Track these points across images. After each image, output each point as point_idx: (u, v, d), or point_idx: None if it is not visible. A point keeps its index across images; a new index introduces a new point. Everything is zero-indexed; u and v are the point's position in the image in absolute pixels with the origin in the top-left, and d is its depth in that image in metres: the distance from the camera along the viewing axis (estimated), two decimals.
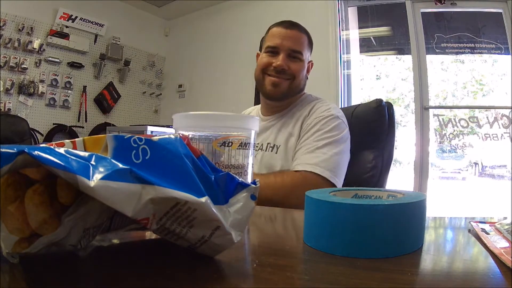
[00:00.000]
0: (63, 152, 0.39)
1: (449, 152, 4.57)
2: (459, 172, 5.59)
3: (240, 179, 0.54)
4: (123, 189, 0.38)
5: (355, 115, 1.81)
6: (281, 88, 1.66)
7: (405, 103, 5.81)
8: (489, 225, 0.75)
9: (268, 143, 1.69)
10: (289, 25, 1.69)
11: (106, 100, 4.82)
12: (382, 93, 5.41)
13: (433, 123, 4.32)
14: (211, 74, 5.17)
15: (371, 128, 1.86)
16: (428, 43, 4.23)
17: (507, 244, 0.60)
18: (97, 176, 0.37)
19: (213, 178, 0.50)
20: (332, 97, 4.28)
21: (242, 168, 0.78)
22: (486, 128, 4.24)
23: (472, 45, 4.27)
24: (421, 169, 4.17)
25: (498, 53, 4.30)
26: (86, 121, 4.60)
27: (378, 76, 5.34)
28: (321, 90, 3.66)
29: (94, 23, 4.64)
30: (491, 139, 4.20)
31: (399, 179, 4.49)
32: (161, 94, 5.58)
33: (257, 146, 1.70)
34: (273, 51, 1.67)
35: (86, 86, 4.62)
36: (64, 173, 0.35)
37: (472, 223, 0.78)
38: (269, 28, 1.76)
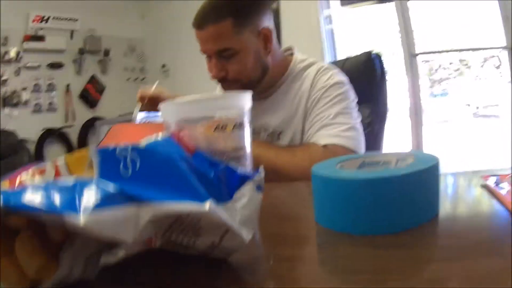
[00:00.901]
0: (42, 189, 0.34)
1: (441, 96, 4.58)
2: (453, 115, 5.62)
3: (242, 171, 0.51)
4: (118, 216, 0.35)
5: (345, 70, 1.72)
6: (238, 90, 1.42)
7: (392, 51, 5.80)
8: (501, 178, 0.73)
9: (265, 129, 1.51)
10: (200, 23, 1.36)
11: (91, 95, 4.77)
12: (367, 43, 5.40)
13: (423, 69, 4.31)
14: (194, 51, 5.09)
15: (363, 82, 1.79)
16: None
17: None
18: (86, 209, 0.33)
19: (212, 175, 0.46)
20: (317, 54, 4.22)
21: (241, 150, 0.74)
22: (476, 70, 4.25)
23: None
24: (416, 116, 4.16)
25: None
26: (74, 119, 4.56)
27: (360, 27, 5.32)
28: (306, 48, 3.61)
29: (67, 19, 4.55)
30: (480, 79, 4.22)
31: (395, 129, 4.50)
32: (145, 78, 5.50)
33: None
34: (208, 56, 1.44)
35: (69, 84, 4.56)
36: (48, 216, 0.32)
37: (483, 178, 0.75)
38: None
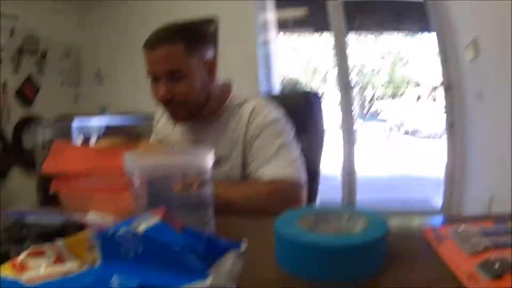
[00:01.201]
0: None
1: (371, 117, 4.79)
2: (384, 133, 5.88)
3: (225, 242, 0.55)
4: None
5: (283, 107, 1.79)
6: (181, 115, 1.53)
7: (322, 76, 5.99)
8: (443, 231, 0.81)
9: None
10: (154, 42, 1.44)
11: (26, 94, 4.67)
12: (300, 68, 5.56)
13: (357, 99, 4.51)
14: (130, 60, 5.06)
15: (302, 119, 1.87)
16: (349, 27, 4.34)
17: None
18: None
19: (202, 248, 0.52)
20: (251, 77, 4.37)
21: (205, 203, 0.79)
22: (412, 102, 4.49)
23: (396, 32, 4.44)
24: (348, 136, 4.36)
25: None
26: (9, 118, 4.44)
27: (295, 52, 5.46)
28: (240, 72, 3.66)
29: (8, 16, 4.37)
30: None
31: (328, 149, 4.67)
32: (79, 82, 5.42)
33: None
34: (153, 78, 1.47)
35: (6, 82, 4.43)
36: None
37: (424, 228, 0.85)
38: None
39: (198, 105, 1.52)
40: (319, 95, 2.02)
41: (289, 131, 1.55)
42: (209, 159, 0.80)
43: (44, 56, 4.84)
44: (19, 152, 4.54)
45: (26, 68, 4.68)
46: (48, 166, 1.17)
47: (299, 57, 5.48)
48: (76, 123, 3.64)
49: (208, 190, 0.80)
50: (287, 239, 0.66)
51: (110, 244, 0.45)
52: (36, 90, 4.80)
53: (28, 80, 4.70)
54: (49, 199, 1.14)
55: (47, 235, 0.69)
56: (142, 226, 0.48)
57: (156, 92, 1.46)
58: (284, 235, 0.67)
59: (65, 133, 3.82)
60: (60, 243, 0.48)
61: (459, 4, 3.83)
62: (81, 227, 0.72)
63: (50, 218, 0.72)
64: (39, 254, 0.46)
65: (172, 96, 1.43)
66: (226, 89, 1.63)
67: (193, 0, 4.52)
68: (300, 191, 1.42)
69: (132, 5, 5.02)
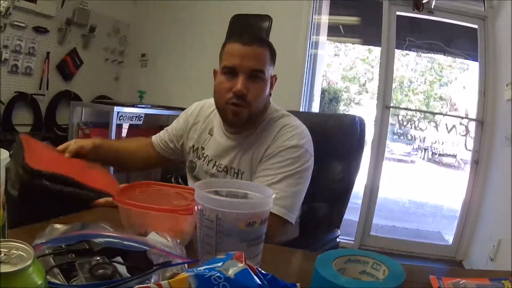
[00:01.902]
0: None
1: (400, 136, 4.78)
2: (408, 155, 5.89)
3: (283, 282, 0.64)
4: None
5: (328, 127, 1.86)
6: (241, 117, 1.56)
7: (361, 82, 6.04)
8: (446, 282, 0.92)
9: (232, 168, 1.65)
10: (248, 40, 1.51)
11: (68, 67, 4.69)
12: (341, 72, 5.60)
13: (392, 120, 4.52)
14: (176, 44, 5.15)
15: (342, 142, 1.94)
16: (398, 44, 4.35)
17: None
18: None
19: None
20: (297, 77, 4.44)
21: (260, 238, 0.88)
22: (442, 127, 4.47)
23: (441, 53, 4.42)
24: (377, 154, 4.37)
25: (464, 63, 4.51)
26: (47, 89, 4.48)
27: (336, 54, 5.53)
28: (287, 71, 3.70)
29: None
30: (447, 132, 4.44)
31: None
32: (123, 61, 5.50)
33: (221, 168, 1.68)
34: (231, 72, 1.52)
35: (49, 53, 4.46)
36: None
37: (431, 277, 0.95)
38: (225, 43, 1.60)
39: (257, 112, 1.60)
40: (364, 122, 2.08)
41: (305, 161, 1.57)
42: (271, 201, 0.89)
43: (92, 30, 4.89)
44: (51, 127, 4.58)
45: (71, 41, 4.73)
46: (33, 161, 1.22)
47: (342, 64, 5.53)
48: (115, 112, 3.68)
49: (265, 228, 0.89)
50: (324, 279, 0.75)
51: (206, 285, 0.53)
52: (78, 65, 4.85)
53: (72, 53, 4.75)
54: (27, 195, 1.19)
55: (110, 251, 0.78)
56: (231, 271, 0.57)
57: (230, 86, 1.52)
58: (321, 274, 0.76)
59: (104, 116, 3.86)
60: (164, 282, 0.55)
61: (509, 38, 3.78)
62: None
63: (118, 242, 0.78)
64: None
65: (247, 91, 1.51)
66: (267, 100, 1.68)
67: None
68: (280, 228, 1.49)
69: None
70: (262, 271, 0.63)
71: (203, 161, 1.75)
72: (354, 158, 2.02)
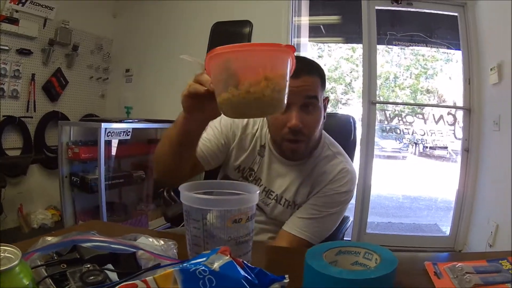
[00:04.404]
0: None
1: (389, 132, 4.77)
2: (399, 151, 5.90)
3: (271, 275, 0.65)
4: None
5: (327, 125, 1.88)
6: (300, 152, 1.52)
7: (346, 82, 6.06)
8: (442, 267, 0.95)
9: (285, 199, 1.60)
10: (296, 72, 1.17)
11: (54, 88, 4.69)
12: (326, 73, 5.62)
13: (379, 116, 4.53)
14: (160, 58, 5.15)
15: (339, 142, 1.95)
16: (380, 39, 4.36)
17: None
18: None
19: (257, 282, 0.61)
20: None
21: (249, 236, 0.89)
22: (430, 120, 4.48)
23: (424, 45, 4.44)
24: (367, 151, 4.37)
25: (448, 53, 4.53)
26: (34, 110, 4.47)
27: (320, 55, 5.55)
28: None
29: (44, 6, 4.44)
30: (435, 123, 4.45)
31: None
32: (107, 78, 5.51)
33: (272, 196, 1.62)
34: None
35: (34, 74, 4.47)
36: None
37: (426, 263, 0.98)
38: None
39: (315, 142, 1.57)
40: (355, 121, 2.15)
41: (348, 203, 1.60)
42: (255, 198, 0.90)
43: (75, 48, 4.88)
44: (41, 149, 4.56)
45: (55, 61, 4.73)
46: None
47: (326, 64, 5.54)
48: (103, 129, 3.66)
49: (253, 225, 0.90)
50: (314, 270, 0.75)
51: (191, 279, 0.54)
52: (63, 85, 4.85)
53: (57, 73, 4.75)
54: None
55: (101, 259, 0.78)
56: (216, 264, 0.57)
57: (284, 120, 1.43)
58: (311, 266, 0.76)
59: (92, 134, 3.86)
60: (149, 278, 0.56)
61: (490, 23, 3.87)
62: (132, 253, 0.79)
63: (105, 245, 0.77)
64: (132, 287, 0.55)
65: (303, 124, 1.42)
66: (322, 126, 1.60)
67: (227, 0, 4.62)
68: (301, 246, 1.49)
69: (167, 3, 5.12)
70: (250, 265, 0.64)
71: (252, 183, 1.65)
72: (351, 152, 2.05)
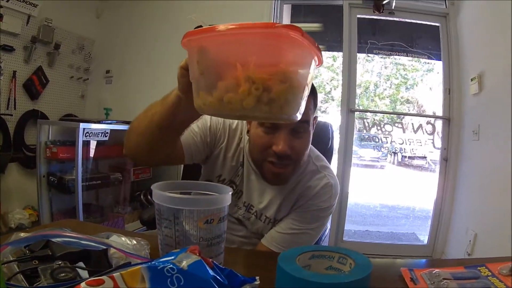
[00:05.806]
0: None
1: (368, 141, 4.79)
2: (377, 161, 5.93)
3: (242, 276, 0.65)
4: None
5: None
6: (284, 176, 1.41)
7: (326, 91, 6.09)
8: (418, 273, 0.96)
9: (265, 216, 1.53)
10: None
11: (34, 86, 4.62)
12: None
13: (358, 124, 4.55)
14: (141, 61, 5.13)
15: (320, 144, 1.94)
16: (360, 48, 4.40)
17: None
18: None
19: (226, 282, 0.62)
20: None
21: (221, 237, 0.89)
22: (409, 129, 4.52)
23: (405, 54, 4.48)
24: (345, 159, 4.39)
25: (428, 63, 4.58)
26: (14, 108, 4.40)
27: None
28: None
29: (28, 3, 4.39)
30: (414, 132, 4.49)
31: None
32: (88, 79, 5.45)
33: (252, 211, 1.55)
34: (271, 126, 1.31)
35: (16, 71, 4.40)
36: None
37: (402, 269, 0.98)
38: None
39: (301, 166, 1.47)
40: (332, 128, 2.17)
41: (328, 217, 1.57)
42: (228, 199, 0.89)
43: (57, 47, 4.82)
44: (20, 147, 4.49)
45: (37, 59, 4.67)
46: None
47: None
48: (81, 129, 3.64)
49: (225, 226, 0.90)
50: (287, 274, 0.76)
51: (159, 277, 0.54)
52: (44, 84, 4.79)
53: (38, 71, 4.69)
54: None
55: (72, 256, 0.79)
56: (184, 262, 0.58)
57: (269, 143, 1.32)
58: (284, 270, 0.77)
59: (70, 134, 3.83)
60: (116, 274, 0.56)
61: (472, 34, 3.92)
62: (103, 250, 0.80)
63: (75, 241, 0.76)
64: (98, 283, 0.54)
65: (290, 150, 1.31)
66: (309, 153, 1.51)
67: (210, 0, 4.61)
68: None
69: (151, 5, 5.11)
70: (220, 266, 0.64)
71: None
72: (328, 154, 2.06)
